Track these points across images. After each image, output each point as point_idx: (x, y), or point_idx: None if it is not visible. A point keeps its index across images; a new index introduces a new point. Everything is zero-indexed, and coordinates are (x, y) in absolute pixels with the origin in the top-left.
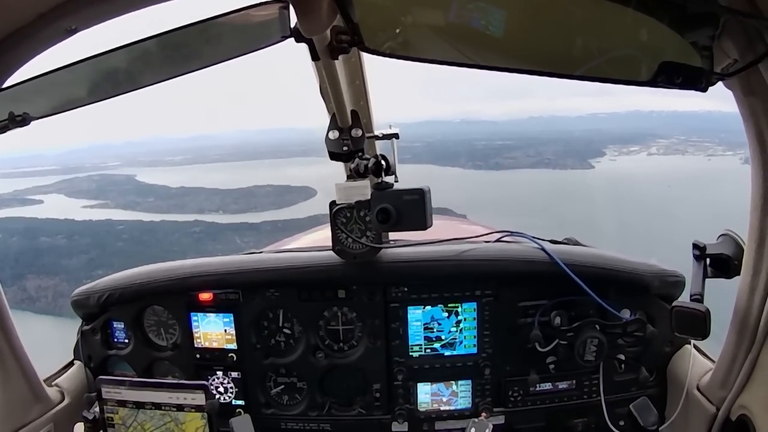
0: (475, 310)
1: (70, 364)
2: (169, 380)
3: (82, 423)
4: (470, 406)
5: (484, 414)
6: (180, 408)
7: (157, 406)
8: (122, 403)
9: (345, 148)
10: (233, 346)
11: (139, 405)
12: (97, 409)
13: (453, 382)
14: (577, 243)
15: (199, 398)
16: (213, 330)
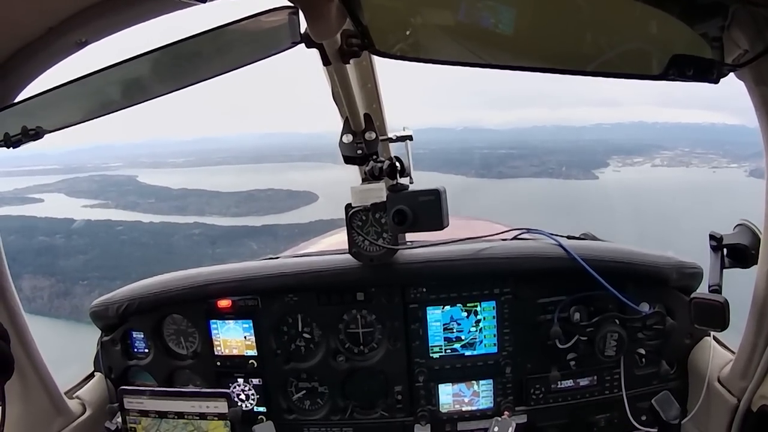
0: (494, 308)
1: (91, 375)
2: (191, 389)
3: None
4: (492, 405)
5: (506, 413)
6: (203, 416)
7: (180, 415)
8: (144, 413)
9: (359, 152)
10: (253, 352)
11: (162, 414)
12: (119, 420)
13: (474, 382)
14: (594, 238)
15: (221, 406)
16: (233, 337)
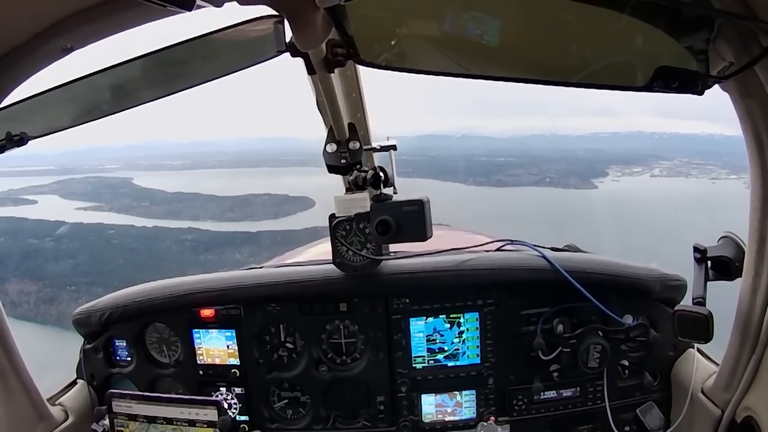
0: (477, 320)
1: (73, 383)
2: (181, 396)
3: None
4: (475, 416)
5: (492, 418)
6: (192, 423)
7: (169, 420)
8: (133, 417)
9: (343, 161)
10: (236, 361)
11: (150, 419)
12: (106, 422)
13: (457, 392)
14: (577, 250)
15: (211, 414)
16: (215, 346)
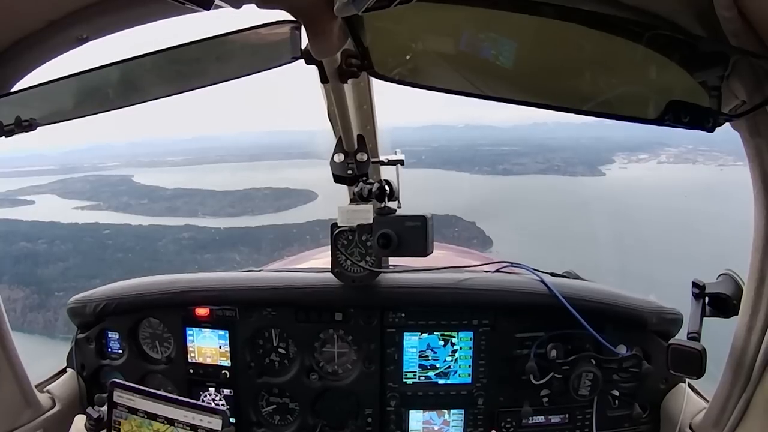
0: (471, 339)
1: (63, 371)
2: (189, 399)
3: (84, 417)
4: None
5: (494, 431)
6: (193, 428)
7: (170, 421)
8: (134, 411)
9: (349, 172)
10: (227, 362)
11: (152, 416)
12: (103, 410)
13: (446, 411)
14: (577, 277)
15: (215, 423)
16: (208, 345)
